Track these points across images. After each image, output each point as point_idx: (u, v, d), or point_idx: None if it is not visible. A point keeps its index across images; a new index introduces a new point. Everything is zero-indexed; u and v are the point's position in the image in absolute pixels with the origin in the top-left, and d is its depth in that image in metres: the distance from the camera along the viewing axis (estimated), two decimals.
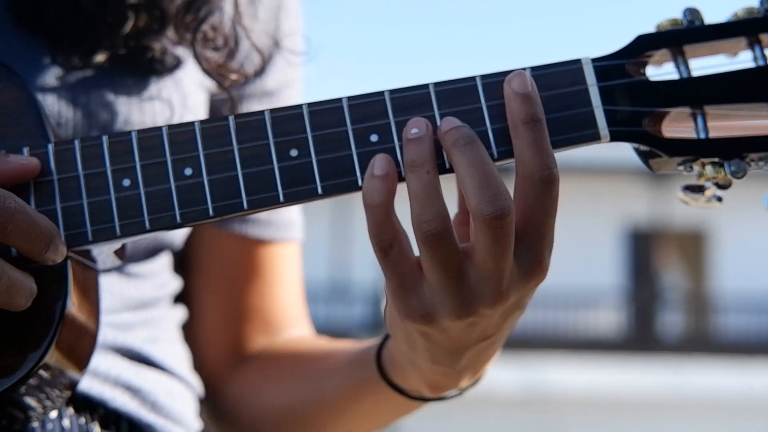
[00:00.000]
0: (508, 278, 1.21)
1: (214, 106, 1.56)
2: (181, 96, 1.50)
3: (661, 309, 22.83)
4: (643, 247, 23.31)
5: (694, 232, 23.35)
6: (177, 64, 1.48)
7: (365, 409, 1.50)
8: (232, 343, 1.63)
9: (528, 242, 1.21)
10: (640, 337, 21.80)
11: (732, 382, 19.69)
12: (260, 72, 1.56)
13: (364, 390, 1.46)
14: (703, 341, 21.88)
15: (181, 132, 1.26)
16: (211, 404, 1.64)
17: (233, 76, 1.52)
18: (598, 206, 22.48)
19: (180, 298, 1.62)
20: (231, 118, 1.26)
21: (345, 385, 1.49)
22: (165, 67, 1.47)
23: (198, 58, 1.49)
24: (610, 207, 22.83)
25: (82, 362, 1.32)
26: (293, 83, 1.61)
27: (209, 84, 1.54)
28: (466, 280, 1.21)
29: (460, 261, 1.20)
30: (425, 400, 1.43)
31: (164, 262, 1.56)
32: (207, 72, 1.50)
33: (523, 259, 1.21)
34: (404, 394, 1.42)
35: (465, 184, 1.19)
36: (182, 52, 1.49)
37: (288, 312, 1.65)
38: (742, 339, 22.03)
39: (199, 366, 1.63)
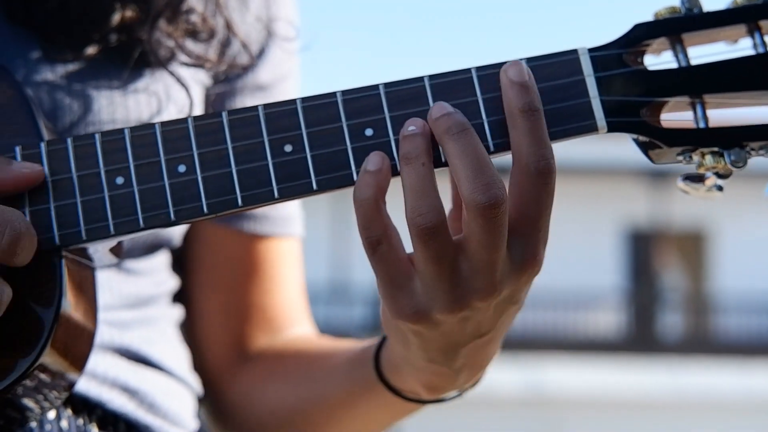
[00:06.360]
0: (501, 271, 1.19)
1: (209, 100, 1.55)
2: (169, 89, 1.48)
3: (661, 309, 22.81)
4: (643, 248, 23.31)
5: (694, 233, 23.35)
6: (171, 56, 1.47)
7: (364, 410, 1.48)
8: (234, 342, 1.61)
9: (522, 235, 1.20)
10: (640, 337, 21.79)
11: (732, 382, 19.70)
12: (252, 64, 1.54)
13: (362, 391, 1.45)
14: (703, 342, 21.87)
15: (174, 129, 1.26)
16: (214, 404, 1.63)
17: (222, 68, 1.51)
18: (597, 207, 22.48)
19: (179, 296, 1.61)
20: (224, 114, 1.25)
21: (344, 386, 1.48)
22: (158, 59, 1.46)
23: (184, 51, 1.48)
24: (610, 207, 22.84)
25: (79, 362, 1.31)
26: (288, 76, 1.60)
27: (203, 78, 1.53)
28: (459, 274, 1.19)
29: (455, 255, 1.19)
30: (423, 402, 1.41)
31: (162, 260, 1.56)
32: (194, 65, 1.49)
33: (516, 252, 1.20)
34: (400, 395, 1.41)
35: (458, 173, 1.17)
36: (176, 44, 1.48)
37: (289, 310, 1.63)
38: (742, 339, 22.02)
39: (200, 365, 1.62)
